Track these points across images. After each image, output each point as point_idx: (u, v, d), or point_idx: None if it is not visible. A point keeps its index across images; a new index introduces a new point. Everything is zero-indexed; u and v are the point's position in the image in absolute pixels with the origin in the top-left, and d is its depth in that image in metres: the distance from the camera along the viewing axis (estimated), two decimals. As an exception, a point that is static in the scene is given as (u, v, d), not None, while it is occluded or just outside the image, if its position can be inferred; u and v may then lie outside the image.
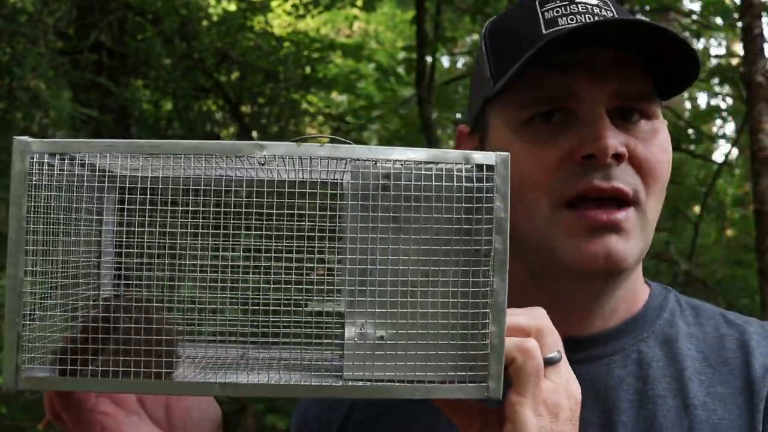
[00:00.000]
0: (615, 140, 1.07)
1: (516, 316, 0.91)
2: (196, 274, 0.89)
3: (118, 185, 0.91)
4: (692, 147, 7.67)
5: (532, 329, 0.91)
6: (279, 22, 8.92)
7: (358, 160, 0.86)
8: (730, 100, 8.75)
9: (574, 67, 1.10)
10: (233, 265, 0.89)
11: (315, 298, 0.93)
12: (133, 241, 0.90)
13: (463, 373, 0.86)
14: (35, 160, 0.84)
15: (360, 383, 0.86)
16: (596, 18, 1.12)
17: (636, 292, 1.20)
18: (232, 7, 7.71)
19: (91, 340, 0.87)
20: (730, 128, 10.09)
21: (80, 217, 0.88)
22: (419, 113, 7.00)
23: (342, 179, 0.89)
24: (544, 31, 1.11)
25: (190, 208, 0.87)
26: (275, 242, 0.89)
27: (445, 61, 10.96)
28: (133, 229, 0.88)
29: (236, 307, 0.93)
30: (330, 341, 0.96)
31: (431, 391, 0.86)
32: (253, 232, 0.89)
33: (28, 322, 0.84)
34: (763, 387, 1.11)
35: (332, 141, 0.87)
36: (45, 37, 6.30)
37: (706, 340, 1.18)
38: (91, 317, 0.88)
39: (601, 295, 1.15)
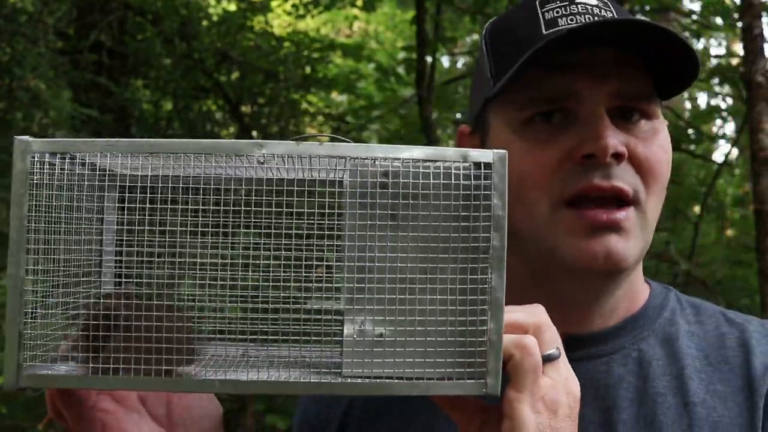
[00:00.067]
0: (615, 140, 1.07)
1: (514, 313, 0.91)
2: (196, 272, 0.90)
3: (118, 184, 0.91)
4: (692, 147, 7.67)
5: (530, 326, 0.91)
6: (279, 22, 8.92)
7: (356, 158, 0.86)
8: (730, 100, 8.75)
9: (574, 67, 1.10)
10: (233, 263, 0.90)
11: (314, 296, 0.93)
12: (134, 239, 0.90)
13: (462, 370, 0.86)
14: (36, 159, 0.84)
15: (359, 380, 0.86)
16: (596, 18, 1.12)
17: (636, 291, 1.21)
18: (232, 7, 7.71)
19: (101, 337, 0.87)
20: (730, 128, 10.10)
21: (81, 216, 0.89)
22: (419, 113, 7.00)
23: (343, 177, 0.89)
24: (544, 32, 1.12)
25: (190, 207, 0.87)
26: (274, 241, 0.89)
27: (445, 61, 10.97)
28: (133, 227, 0.89)
29: (236, 305, 0.93)
30: (329, 339, 0.96)
31: (430, 387, 0.86)
32: (252, 231, 0.89)
33: (29, 320, 0.84)
34: (763, 385, 1.11)
35: (332, 140, 0.87)
36: (45, 37, 6.30)
37: (706, 338, 1.18)
38: (92, 315, 0.89)
39: (601, 295, 1.15)
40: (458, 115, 8.57)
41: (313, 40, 7.96)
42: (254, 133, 7.65)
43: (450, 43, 8.42)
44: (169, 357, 0.85)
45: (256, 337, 0.94)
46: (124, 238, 0.93)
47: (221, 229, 0.88)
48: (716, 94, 8.96)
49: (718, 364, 1.15)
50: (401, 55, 8.95)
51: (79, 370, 0.88)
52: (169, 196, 0.86)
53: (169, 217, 0.87)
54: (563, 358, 0.93)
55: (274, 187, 0.87)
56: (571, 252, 1.10)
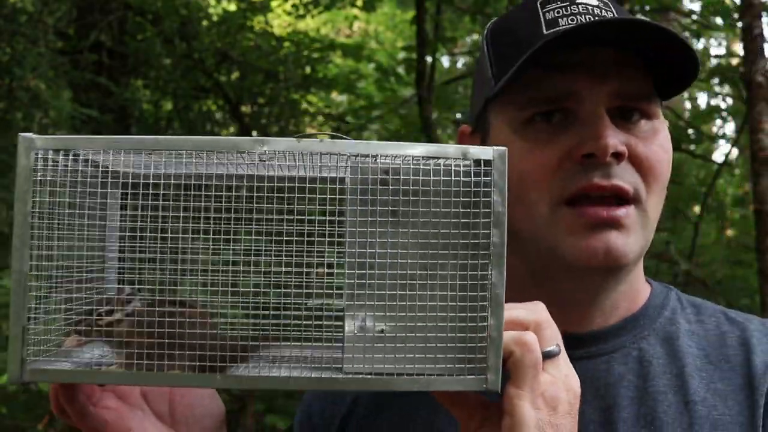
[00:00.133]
0: (615, 139, 1.08)
1: (515, 310, 0.91)
2: (197, 276, 0.90)
3: (121, 181, 0.92)
4: (692, 147, 7.68)
5: (530, 323, 0.92)
6: (279, 22, 8.93)
7: (357, 155, 0.87)
8: (730, 100, 8.75)
9: (574, 67, 1.11)
10: (235, 264, 0.90)
11: (315, 294, 0.93)
12: (137, 236, 0.91)
13: (462, 366, 0.87)
14: (40, 156, 0.85)
15: (359, 376, 0.87)
16: (596, 18, 1.12)
17: (637, 290, 1.21)
18: (232, 7, 7.71)
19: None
20: (730, 128, 10.10)
21: (84, 212, 0.89)
22: (419, 113, 7.00)
23: (345, 174, 0.90)
24: (545, 32, 1.12)
25: (192, 203, 0.88)
26: (275, 242, 0.90)
27: (445, 61, 10.97)
28: (136, 224, 0.89)
29: (237, 311, 0.93)
30: (330, 344, 0.97)
31: (430, 383, 0.87)
32: (254, 228, 0.89)
33: (33, 315, 0.84)
34: (763, 383, 1.11)
35: (332, 138, 0.87)
36: (45, 37, 6.30)
37: (707, 337, 1.18)
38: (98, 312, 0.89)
39: (601, 293, 1.16)
40: (458, 115, 8.57)
41: (313, 40, 7.96)
42: (254, 133, 7.65)
43: (450, 43, 8.42)
44: (172, 353, 0.86)
45: (258, 336, 0.94)
46: (127, 234, 0.93)
47: (223, 227, 0.89)
48: (716, 94, 8.96)
49: (719, 362, 1.15)
50: (401, 55, 8.95)
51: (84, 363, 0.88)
52: (171, 192, 0.87)
53: (171, 213, 0.87)
54: (563, 355, 0.93)
55: (276, 184, 0.88)
56: (571, 250, 1.10)
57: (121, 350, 0.86)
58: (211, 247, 0.89)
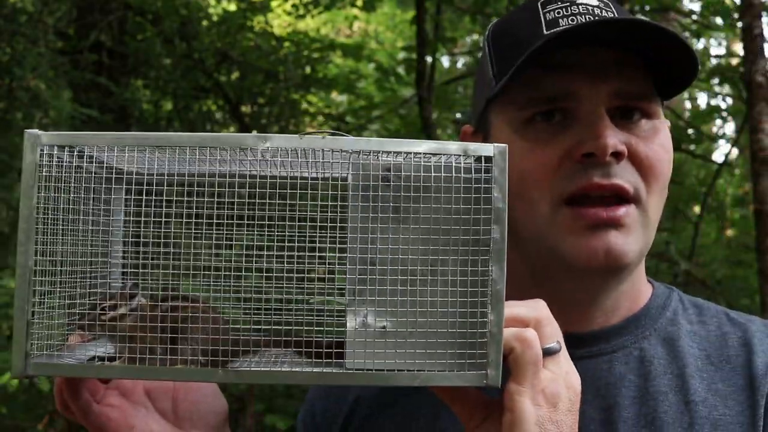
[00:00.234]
0: (614, 139, 1.08)
1: (515, 307, 0.92)
2: (199, 262, 0.90)
3: (125, 177, 0.92)
4: (692, 147, 7.68)
5: (531, 320, 0.92)
6: (279, 22, 8.92)
7: (359, 152, 0.87)
8: (730, 100, 8.75)
9: (572, 67, 1.11)
10: (236, 261, 0.90)
11: (317, 293, 0.94)
12: (139, 231, 0.91)
13: (463, 362, 0.87)
14: (45, 152, 0.85)
15: (360, 371, 0.87)
16: (596, 19, 1.13)
17: (638, 290, 1.21)
18: (232, 7, 7.71)
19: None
20: (730, 128, 10.11)
21: (89, 209, 0.90)
22: (419, 113, 7.01)
23: (347, 172, 0.90)
24: (545, 32, 1.13)
25: (194, 199, 0.88)
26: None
27: (445, 61, 10.97)
28: (139, 219, 0.90)
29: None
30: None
31: (431, 378, 0.87)
32: (256, 225, 0.90)
33: (36, 309, 0.85)
34: (764, 384, 1.12)
35: (334, 135, 0.88)
36: (45, 37, 6.30)
37: (708, 338, 1.19)
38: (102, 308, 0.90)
39: (602, 293, 1.16)
40: (458, 115, 8.57)
41: (313, 40, 7.95)
42: (254, 133, 7.62)
43: (450, 43, 8.42)
44: (175, 347, 0.86)
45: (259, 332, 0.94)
46: (130, 228, 0.93)
47: (225, 224, 0.89)
48: (716, 94, 8.96)
49: (720, 363, 1.15)
50: (401, 55, 8.95)
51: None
52: (175, 187, 0.87)
53: (174, 209, 0.88)
54: (564, 352, 0.94)
55: (278, 181, 0.88)
56: (571, 250, 1.10)
57: (124, 345, 0.86)
58: (213, 249, 0.89)
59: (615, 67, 1.11)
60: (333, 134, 0.87)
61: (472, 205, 0.88)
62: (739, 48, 7.40)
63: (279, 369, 0.87)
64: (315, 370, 0.87)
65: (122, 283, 0.95)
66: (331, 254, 0.91)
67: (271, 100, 7.88)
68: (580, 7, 1.14)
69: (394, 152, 0.88)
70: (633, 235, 1.11)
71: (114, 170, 0.93)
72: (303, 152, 0.87)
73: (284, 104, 7.88)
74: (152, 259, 0.90)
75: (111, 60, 7.33)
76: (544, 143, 1.12)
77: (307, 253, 0.91)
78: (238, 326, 0.95)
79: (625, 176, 1.10)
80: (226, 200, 0.89)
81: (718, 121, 9.55)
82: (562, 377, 0.92)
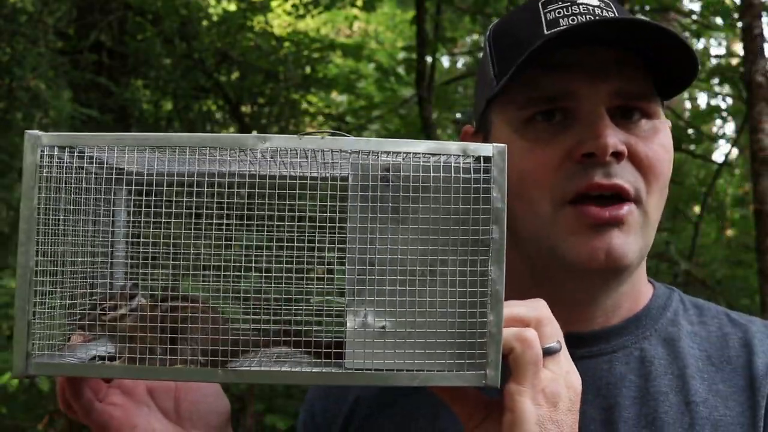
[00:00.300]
0: (614, 138, 1.08)
1: (515, 307, 0.92)
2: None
3: (125, 177, 0.92)
4: (692, 147, 7.68)
5: (531, 320, 0.92)
6: (279, 22, 8.92)
7: (359, 152, 0.87)
8: (730, 100, 8.75)
9: (572, 66, 1.11)
10: (236, 261, 0.90)
11: (316, 292, 0.94)
12: (140, 240, 0.91)
13: (462, 362, 0.87)
14: (45, 153, 0.85)
15: (360, 371, 0.87)
16: (596, 18, 1.13)
17: (639, 291, 1.21)
18: (232, 7, 7.70)
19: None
20: (730, 128, 10.10)
21: (89, 209, 0.90)
22: (419, 113, 7.00)
23: (347, 172, 0.90)
24: (545, 32, 1.13)
25: (194, 199, 0.88)
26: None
27: (445, 61, 10.97)
28: (139, 225, 0.90)
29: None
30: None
31: (430, 378, 0.87)
32: (255, 226, 0.90)
33: (37, 310, 0.85)
34: (765, 385, 1.12)
35: (334, 135, 0.88)
36: (45, 37, 6.30)
37: (709, 338, 1.19)
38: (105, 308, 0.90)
39: (602, 293, 1.16)
40: (458, 115, 8.57)
41: (313, 40, 7.95)
42: (254, 133, 7.62)
43: (450, 43, 8.42)
44: (175, 347, 0.86)
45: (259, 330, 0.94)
46: (130, 229, 0.94)
47: (224, 225, 0.89)
48: (716, 94, 8.96)
49: (721, 364, 1.16)
50: (401, 55, 8.95)
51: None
52: (174, 188, 0.87)
53: (173, 209, 0.88)
54: (564, 352, 0.94)
55: (277, 181, 0.88)
56: (572, 251, 1.10)
57: (124, 345, 0.87)
58: (213, 244, 0.89)
59: (615, 67, 1.12)
60: (333, 134, 0.87)
61: (471, 205, 0.88)
62: (739, 48, 7.40)
63: (279, 369, 0.87)
64: (314, 370, 0.87)
65: (122, 283, 0.96)
66: (330, 255, 0.91)
67: (271, 100, 7.87)
68: (580, 7, 1.14)
69: (394, 152, 0.88)
70: (633, 235, 1.11)
71: (114, 170, 0.94)
72: (303, 152, 0.87)
73: (284, 104, 7.87)
74: (153, 258, 0.91)
75: (111, 60, 7.32)
76: (544, 143, 1.12)
77: (306, 253, 0.91)
78: (239, 325, 0.95)
79: (625, 176, 1.10)
80: (226, 200, 0.89)
81: (718, 121, 9.55)
82: (563, 377, 0.92)
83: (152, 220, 0.88)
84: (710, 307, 1.25)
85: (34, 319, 0.85)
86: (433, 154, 0.88)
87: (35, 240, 0.84)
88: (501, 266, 0.87)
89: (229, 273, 0.90)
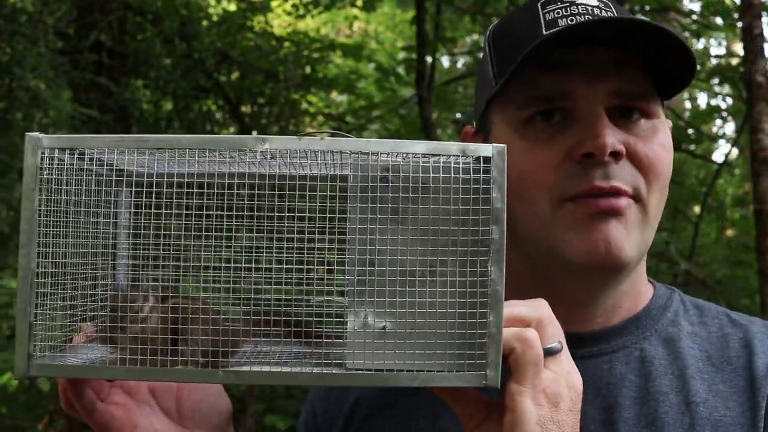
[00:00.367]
0: (613, 138, 1.08)
1: (516, 307, 0.92)
2: (200, 274, 0.91)
3: (125, 179, 0.93)
4: (692, 147, 7.68)
5: (532, 320, 0.92)
6: (279, 22, 8.92)
7: (358, 153, 0.87)
8: (730, 100, 8.75)
9: (570, 66, 1.11)
10: (237, 261, 0.91)
11: (317, 292, 0.94)
12: (139, 243, 0.91)
13: (462, 362, 0.87)
14: (46, 155, 0.85)
15: (360, 371, 0.87)
16: (594, 18, 1.13)
17: (639, 291, 1.22)
18: (232, 7, 7.70)
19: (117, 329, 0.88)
20: (730, 128, 10.10)
21: (90, 210, 0.90)
22: (419, 113, 7.01)
23: (348, 172, 0.90)
24: (544, 32, 1.13)
25: (194, 201, 0.88)
26: (276, 244, 0.90)
27: (445, 61, 10.97)
28: (140, 221, 0.90)
29: (238, 309, 0.94)
30: (330, 341, 0.97)
31: (430, 379, 0.87)
32: (255, 227, 0.90)
33: (39, 311, 0.85)
34: (765, 385, 1.12)
35: (334, 136, 0.88)
36: (45, 37, 6.30)
37: (709, 339, 1.19)
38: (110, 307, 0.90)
39: (602, 293, 1.16)
40: (458, 115, 8.57)
41: (313, 40, 7.95)
42: (254, 133, 7.62)
43: (450, 43, 8.42)
44: (175, 348, 0.86)
45: (260, 332, 0.95)
46: (131, 230, 0.94)
47: (225, 226, 0.89)
48: (716, 94, 8.96)
49: (721, 364, 1.16)
50: (401, 55, 8.95)
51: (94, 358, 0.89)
52: (174, 190, 0.87)
53: (174, 210, 0.88)
54: (565, 352, 0.94)
55: (277, 182, 0.88)
56: (571, 248, 1.10)
57: (136, 347, 0.87)
58: (213, 245, 0.89)
59: (614, 67, 1.12)
60: (332, 135, 0.87)
61: (471, 206, 0.88)
62: (739, 48, 7.40)
63: (279, 370, 0.87)
64: (315, 371, 0.87)
65: (122, 283, 0.96)
66: (330, 255, 0.91)
67: (271, 100, 7.87)
68: (579, 7, 1.14)
69: (393, 153, 0.88)
70: (633, 231, 1.11)
71: (115, 171, 0.94)
72: (303, 152, 0.88)
73: (284, 104, 7.87)
74: (154, 258, 0.91)
75: (111, 60, 7.32)
76: (543, 143, 1.12)
77: (306, 253, 0.91)
78: (239, 327, 0.95)
79: (624, 176, 1.10)
80: (226, 201, 0.89)
81: (718, 121, 9.55)
82: (564, 377, 0.92)
83: (153, 221, 0.88)
84: (711, 307, 1.25)
85: (36, 321, 0.85)
86: (433, 155, 0.88)
87: (36, 242, 0.84)
88: (501, 266, 0.87)
89: (229, 273, 0.90)
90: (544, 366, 0.91)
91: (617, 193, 1.10)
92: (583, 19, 1.12)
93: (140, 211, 0.91)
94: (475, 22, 7.55)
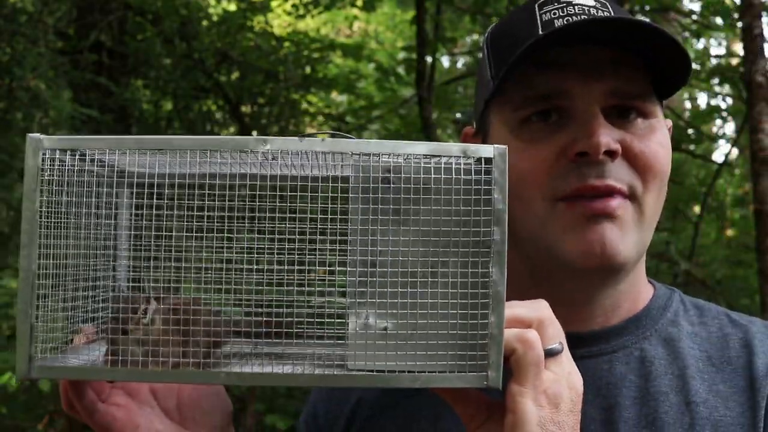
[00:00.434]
0: (607, 137, 1.08)
1: (517, 308, 0.92)
2: (201, 274, 0.91)
3: (126, 180, 0.92)
4: (692, 147, 7.68)
5: (533, 320, 0.92)
6: (279, 22, 8.92)
7: (360, 154, 0.87)
8: (730, 100, 8.75)
9: (565, 65, 1.12)
10: (238, 261, 0.91)
11: (318, 293, 0.94)
12: (140, 242, 0.91)
13: (464, 363, 0.87)
14: (47, 156, 0.85)
15: (362, 372, 0.87)
16: (589, 18, 1.13)
17: (638, 291, 1.22)
18: (232, 7, 7.70)
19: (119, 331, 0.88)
20: (730, 128, 10.10)
21: (91, 211, 0.90)
22: (419, 113, 7.01)
23: (349, 173, 0.90)
24: (540, 32, 1.13)
25: (195, 202, 0.88)
26: (278, 245, 0.90)
27: (445, 61, 10.97)
28: (140, 222, 0.90)
29: (239, 308, 0.94)
30: (333, 341, 0.97)
31: (431, 380, 0.87)
32: (257, 228, 0.90)
33: (40, 313, 0.85)
34: (765, 385, 1.12)
35: (335, 137, 0.88)
36: (45, 37, 6.30)
37: (709, 339, 1.19)
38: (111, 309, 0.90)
39: (600, 293, 1.16)
40: (458, 115, 8.57)
41: (313, 40, 7.95)
42: (254, 133, 7.64)
43: (450, 43, 8.42)
44: (176, 350, 0.86)
45: (262, 333, 0.95)
46: (132, 231, 0.94)
47: (226, 227, 0.89)
48: (716, 94, 8.96)
49: (721, 364, 1.16)
50: (401, 55, 8.95)
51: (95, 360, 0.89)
52: (176, 191, 0.87)
53: (175, 211, 0.88)
54: (566, 353, 0.94)
55: (278, 183, 0.88)
56: (568, 250, 1.10)
57: (139, 349, 0.87)
58: (215, 245, 0.89)
59: (611, 66, 1.12)
60: (333, 135, 0.87)
61: (472, 207, 0.88)
62: (739, 48, 7.40)
63: (281, 371, 0.87)
64: (316, 371, 0.87)
65: (123, 284, 0.96)
66: (331, 256, 0.91)
67: (271, 100, 7.87)
68: (576, 7, 1.14)
69: (395, 154, 0.88)
70: (629, 231, 1.11)
71: (116, 171, 0.94)
72: (303, 153, 0.88)
73: (284, 104, 7.87)
74: (155, 259, 0.91)
75: (111, 60, 7.32)
76: (539, 142, 1.12)
77: (308, 253, 0.91)
78: (240, 328, 0.95)
79: (619, 175, 1.10)
80: (227, 202, 0.89)
81: (718, 121, 9.55)
82: (564, 378, 0.92)
83: (153, 222, 0.88)
84: (711, 307, 1.25)
85: (37, 322, 0.85)
86: (434, 156, 0.88)
87: (37, 243, 0.84)
88: (502, 267, 0.87)
89: (230, 274, 0.90)
90: (545, 367, 0.91)
91: (612, 191, 1.09)
92: (579, 19, 1.12)
93: (140, 211, 0.91)
94: (475, 22, 7.55)
